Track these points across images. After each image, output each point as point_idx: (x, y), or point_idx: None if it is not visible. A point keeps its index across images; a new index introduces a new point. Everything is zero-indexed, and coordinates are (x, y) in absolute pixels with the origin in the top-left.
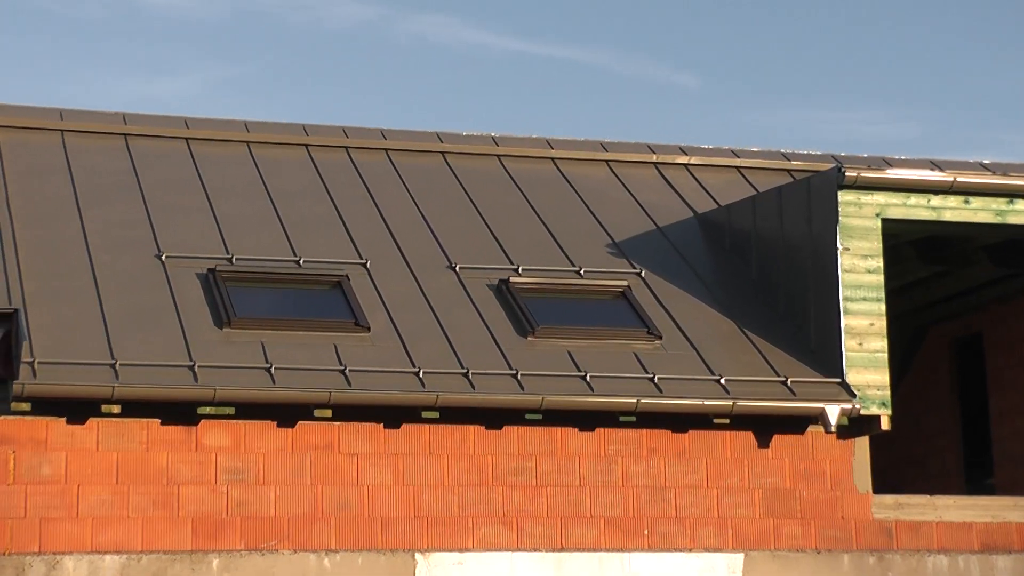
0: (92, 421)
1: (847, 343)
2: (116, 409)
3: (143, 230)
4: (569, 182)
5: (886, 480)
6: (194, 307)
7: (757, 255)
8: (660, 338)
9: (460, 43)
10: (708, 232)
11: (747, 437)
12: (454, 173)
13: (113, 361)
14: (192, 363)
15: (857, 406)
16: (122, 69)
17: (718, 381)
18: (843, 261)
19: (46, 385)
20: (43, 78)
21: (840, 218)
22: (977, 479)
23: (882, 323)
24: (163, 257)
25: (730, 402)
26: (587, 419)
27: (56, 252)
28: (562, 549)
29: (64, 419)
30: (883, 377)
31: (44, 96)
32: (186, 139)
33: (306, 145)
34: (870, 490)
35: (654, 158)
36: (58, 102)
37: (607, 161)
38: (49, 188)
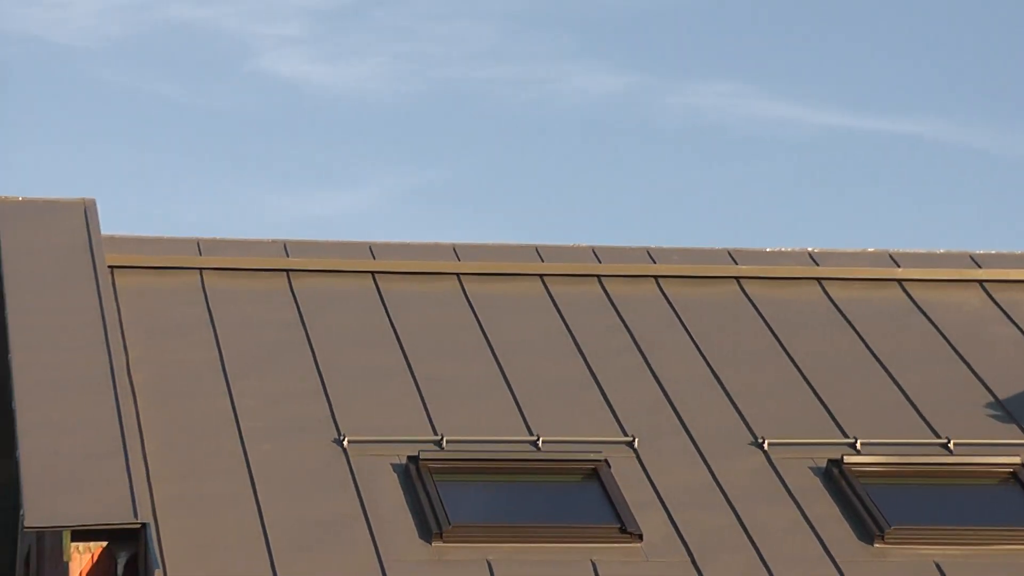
0: None
1: None
2: None
3: (316, 405)
4: (923, 312)
5: None
6: (391, 512)
7: None
8: None
9: (754, 119)
10: None
11: None
12: (754, 306)
13: None
14: None
15: None
16: (277, 180)
17: None
18: None
19: None
20: (166, 197)
21: None
22: None
23: None
24: (345, 442)
25: None
26: None
27: (197, 440)
28: None
29: None
30: None
31: (171, 222)
32: (372, 273)
33: (541, 275)
34: None
35: None
36: (191, 230)
37: (981, 281)
38: (185, 349)
